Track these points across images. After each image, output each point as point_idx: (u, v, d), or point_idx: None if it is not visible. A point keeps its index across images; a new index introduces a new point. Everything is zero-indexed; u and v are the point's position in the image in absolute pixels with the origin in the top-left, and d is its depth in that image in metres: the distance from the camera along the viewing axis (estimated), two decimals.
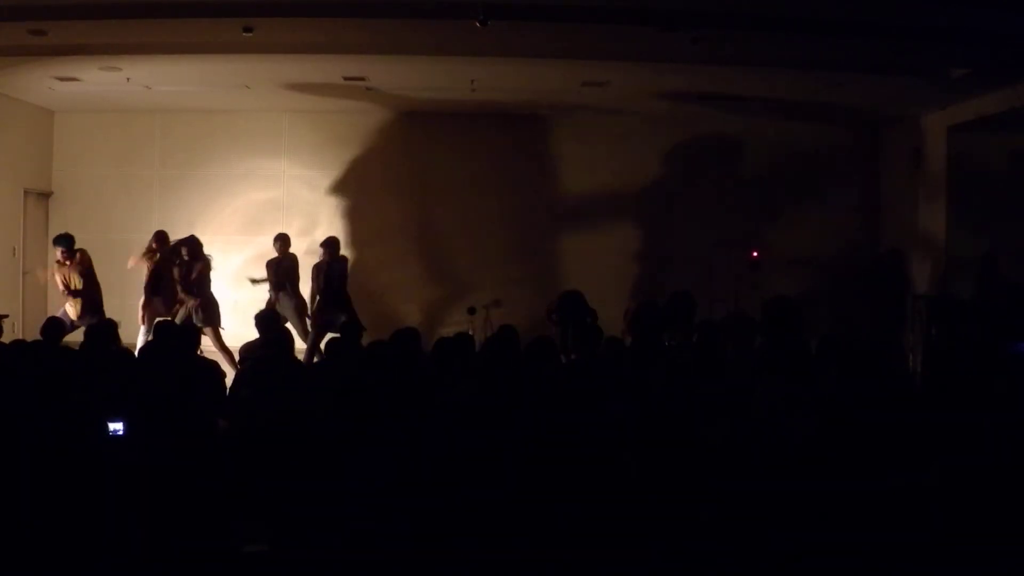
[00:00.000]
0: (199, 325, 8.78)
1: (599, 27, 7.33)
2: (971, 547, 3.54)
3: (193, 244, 9.38)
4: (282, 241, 9.85)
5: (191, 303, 9.18)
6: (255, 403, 5.17)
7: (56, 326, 6.79)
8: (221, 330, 9.28)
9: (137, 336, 9.06)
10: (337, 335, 6.66)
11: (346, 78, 9.30)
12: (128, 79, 9.24)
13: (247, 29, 7.29)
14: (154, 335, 6.03)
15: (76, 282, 8.95)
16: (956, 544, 3.56)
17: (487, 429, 4.31)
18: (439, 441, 4.25)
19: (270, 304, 9.51)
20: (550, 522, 3.69)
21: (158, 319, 8.59)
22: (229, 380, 5.85)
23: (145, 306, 9.28)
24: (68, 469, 4.01)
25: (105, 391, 4.95)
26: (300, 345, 8.85)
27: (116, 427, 4.33)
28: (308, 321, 9.48)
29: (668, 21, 7.06)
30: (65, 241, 9.11)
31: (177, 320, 8.99)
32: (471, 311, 10.75)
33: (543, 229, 11.55)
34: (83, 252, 9.09)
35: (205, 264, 9.37)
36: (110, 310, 8.93)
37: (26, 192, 10.81)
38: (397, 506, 3.78)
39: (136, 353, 6.39)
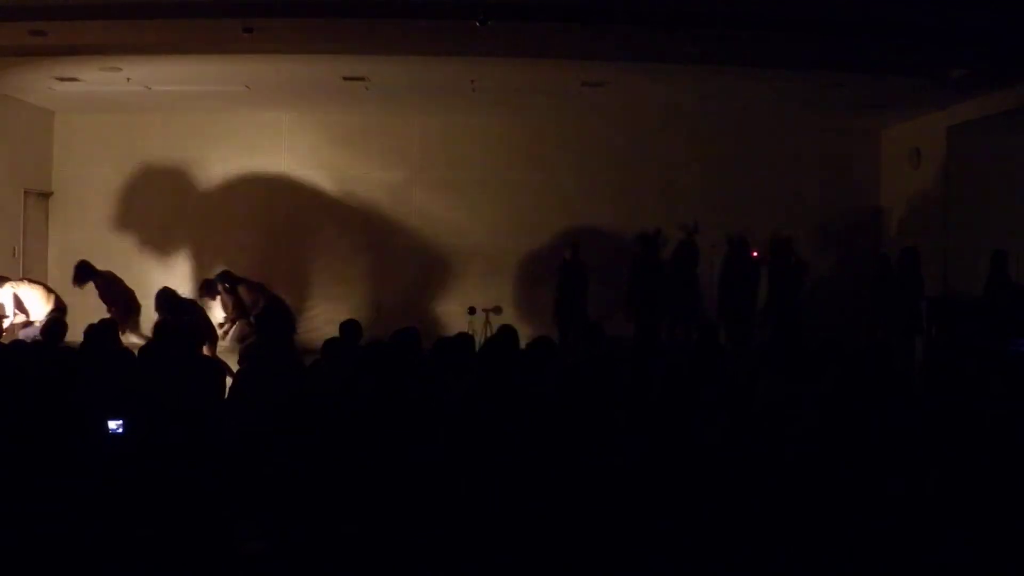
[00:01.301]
0: None
1: (598, 27, 7.33)
2: (971, 547, 3.54)
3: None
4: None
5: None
6: (255, 403, 5.17)
7: (56, 326, 6.77)
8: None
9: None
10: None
11: (346, 78, 9.30)
12: (128, 79, 9.25)
13: (247, 29, 7.29)
14: (154, 335, 6.01)
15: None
16: (956, 544, 3.55)
17: (486, 429, 4.31)
18: (438, 441, 4.25)
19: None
20: (549, 522, 3.69)
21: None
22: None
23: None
24: (68, 469, 4.01)
25: (105, 391, 4.95)
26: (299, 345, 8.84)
27: (116, 425, 4.34)
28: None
29: (668, 21, 7.06)
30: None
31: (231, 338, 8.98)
32: (471, 311, 10.80)
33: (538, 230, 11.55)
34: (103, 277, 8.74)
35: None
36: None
37: (26, 192, 10.81)
38: (397, 506, 3.78)
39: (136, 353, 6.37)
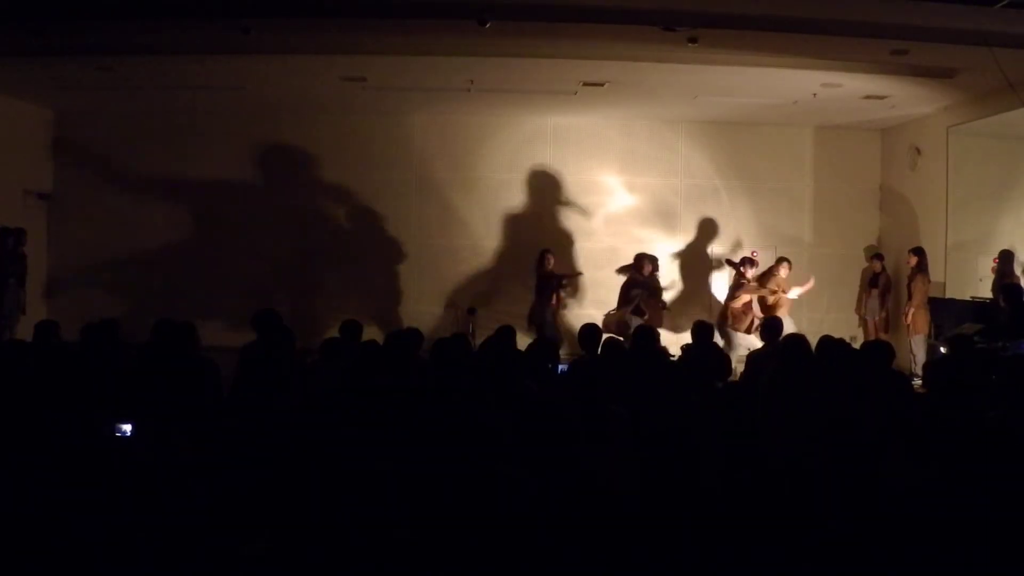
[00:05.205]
0: None
1: (600, 27, 7.33)
2: (971, 548, 3.54)
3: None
4: None
5: None
6: (256, 403, 5.17)
7: (53, 327, 6.73)
8: None
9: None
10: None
11: (345, 78, 9.29)
12: (128, 79, 9.24)
13: (245, 30, 7.29)
14: (153, 334, 5.98)
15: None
16: (956, 544, 3.55)
17: (486, 428, 4.31)
18: (438, 441, 4.25)
19: None
20: (548, 522, 3.69)
21: None
22: None
23: None
24: (67, 469, 4.01)
25: (107, 391, 4.95)
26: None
27: (124, 428, 4.34)
28: None
29: (668, 21, 7.06)
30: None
31: None
32: (471, 311, 10.83)
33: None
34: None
35: None
36: (114, 310, 8.90)
37: (26, 192, 10.80)
38: (397, 506, 3.78)
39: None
